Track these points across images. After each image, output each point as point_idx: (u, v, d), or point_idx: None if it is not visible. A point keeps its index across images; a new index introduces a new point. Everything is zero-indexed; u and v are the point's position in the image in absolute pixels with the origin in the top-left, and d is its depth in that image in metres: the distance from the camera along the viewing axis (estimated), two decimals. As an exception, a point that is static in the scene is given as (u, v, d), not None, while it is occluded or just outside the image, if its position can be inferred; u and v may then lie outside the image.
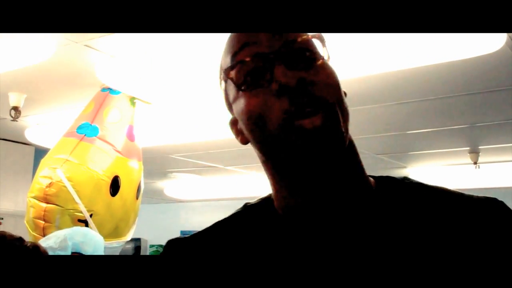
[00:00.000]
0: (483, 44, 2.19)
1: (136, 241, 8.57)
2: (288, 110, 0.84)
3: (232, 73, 0.91)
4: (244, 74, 0.89)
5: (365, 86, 2.98)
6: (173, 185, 7.07)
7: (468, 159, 4.86)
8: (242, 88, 0.89)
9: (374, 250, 0.86)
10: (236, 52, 0.91)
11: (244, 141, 0.97)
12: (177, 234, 9.07)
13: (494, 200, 0.93)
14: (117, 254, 2.84)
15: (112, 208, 2.73)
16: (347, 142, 0.90)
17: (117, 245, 2.81)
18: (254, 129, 0.89)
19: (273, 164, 0.94)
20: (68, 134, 2.84)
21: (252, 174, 6.16)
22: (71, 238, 2.37)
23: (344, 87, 0.94)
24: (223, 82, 0.97)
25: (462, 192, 0.96)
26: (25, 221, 2.72)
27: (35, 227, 2.61)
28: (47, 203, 2.57)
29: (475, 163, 4.87)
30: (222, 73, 0.94)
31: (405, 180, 0.98)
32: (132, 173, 2.87)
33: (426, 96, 3.18)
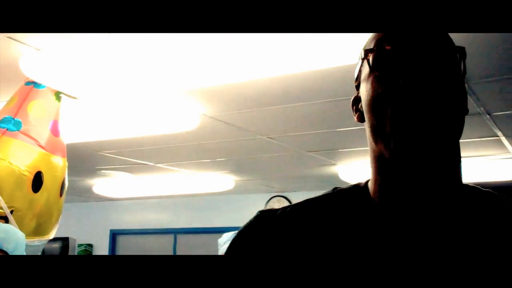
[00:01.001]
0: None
1: (64, 240, 8.40)
2: (406, 111, 0.89)
3: (370, 56, 0.96)
4: (379, 61, 0.95)
5: (297, 83, 3.00)
6: (102, 183, 6.96)
7: (395, 158, 4.96)
8: (375, 72, 0.95)
9: (461, 250, 0.92)
10: (381, 38, 0.97)
11: (360, 119, 1.06)
12: (106, 233, 9.01)
13: None
14: (39, 252, 2.77)
15: (34, 205, 2.65)
16: (454, 152, 0.97)
17: (39, 243, 2.74)
18: (372, 113, 0.96)
19: (379, 153, 0.98)
20: (-11, 129, 2.75)
21: (183, 171, 6.13)
22: (-7, 234, 2.31)
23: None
24: (360, 60, 1.02)
25: None
26: None
27: (-48, 224, 2.52)
28: (-35, 198, 2.49)
29: (402, 160, 4.98)
30: (362, 52, 0.99)
31: (489, 191, 1.05)
32: (56, 169, 2.81)
33: (354, 94, 3.22)
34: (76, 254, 8.65)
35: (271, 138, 4.45)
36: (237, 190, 7.26)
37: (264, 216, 1.06)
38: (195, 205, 8.06)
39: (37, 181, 2.66)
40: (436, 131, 0.88)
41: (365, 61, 0.98)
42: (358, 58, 1.05)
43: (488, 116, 3.56)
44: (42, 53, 2.61)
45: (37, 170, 2.66)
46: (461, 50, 0.96)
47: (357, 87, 1.08)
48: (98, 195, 7.55)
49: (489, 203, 1.01)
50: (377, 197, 1.01)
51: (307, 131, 4.23)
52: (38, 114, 2.79)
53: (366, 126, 1.00)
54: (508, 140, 4.38)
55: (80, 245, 8.83)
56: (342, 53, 2.32)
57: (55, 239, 2.94)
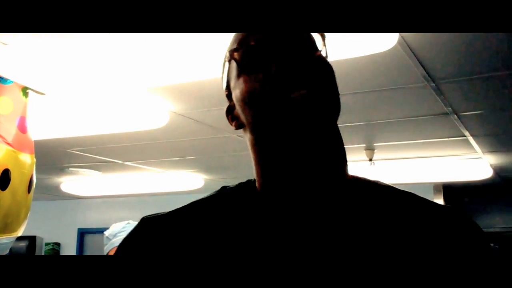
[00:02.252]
0: (375, 43, 2.25)
1: (31, 238, 8.30)
2: (282, 91, 0.90)
3: (236, 55, 0.98)
4: (247, 57, 0.96)
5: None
6: (70, 181, 6.89)
7: (364, 156, 5.00)
8: (244, 70, 0.96)
9: (344, 238, 0.92)
10: (243, 37, 0.98)
11: (238, 126, 1.03)
12: (74, 232, 8.94)
13: (457, 210, 1.01)
14: (7, 250, 2.73)
15: (2, 203, 2.61)
16: (335, 133, 1.00)
17: (7, 241, 2.70)
18: (249, 108, 0.95)
19: (261, 144, 0.98)
20: (-45, 125, 2.70)
21: (152, 170, 6.10)
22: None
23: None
24: (226, 64, 1.03)
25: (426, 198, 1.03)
26: None
27: None
28: None
29: (371, 159, 5.02)
30: (227, 54, 1.00)
31: (378, 182, 1.06)
32: (24, 166, 2.77)
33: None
34: (43, 253, 8.57)
35: (241, 137, 4.45)
36: (207, 189, 7.19)
37: (148, 222, 1.01)
38: (164, 204, 7.96)
39: (5, 179, 2.62)
40: (317, 109, 0.90)
41: (233, 66, 0.99)
42: (222, 66, 1.06)
43: (455, 116, 3.60)
44: (9, 48, 2.58)
45: (4, 168, 2.62)
46: (322, 37, 0.99)
47: (228, 96, 1.06)
48: (66, 193, 7.47)
49: (380, 195, 1.01)
50: (261, 188, 1.01)
51: (277, 130, 4.23)
52: (4, 110, 2.75)
53: (245, 127, 1.00)
54: (475, 140, 4.44)
55: (47, 244, 8.74)
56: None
57: (22, 238, 2.91)
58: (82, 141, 4.58)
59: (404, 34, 2.33)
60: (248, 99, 0.94)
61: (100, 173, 6.30)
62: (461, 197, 7.64)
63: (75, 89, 2.93)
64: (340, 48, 2.25)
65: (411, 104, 3.42)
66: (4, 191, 2.64)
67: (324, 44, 0.99)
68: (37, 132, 3.16)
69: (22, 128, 2.80)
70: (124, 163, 5.69)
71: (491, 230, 7.30)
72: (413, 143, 4.64)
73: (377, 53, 2.36)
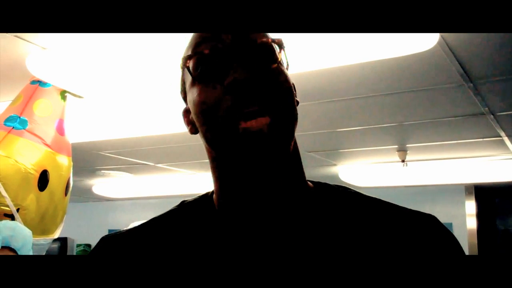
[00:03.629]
0: (415, 43, 2.22)
1: (62, 240, 8.38)
2: (235, 107, 0.85)
3: (190, 63, 0.93)
4: (200, 66, 0.91)
5: (297, 83, 2.97)
6: (101, 183, 6.94)
7: (396, 157, 4.97)
8: (197, 79, 0.91)
9: (307, 253, 0.88)
10: (197, 44, 0.93)
11: (193, 131, 1.00)
12: (105, 233, 8.96)
13: (428, 216, 0.96)
14: (44, 251, 2.76)
15: (40, 203, 2.64)
16: (292, 147, 0.94)
17: (44, 242, 2.73)
18: (203, 122, 0.91)
19: (217, 158, 0.96)
20: (-5, 127, 2.73)
21: (183, 171, 6.12)
22: (1, 232, 2.29)
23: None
24: (181, 70, 0.99)
25: (397, 204, 0.98)
26: None
27: (-41, 222, 2.51)
28: (-28, 196, 2.48)
29: (403, 161, 4.99)
30: (181, 61, 0.95)
31: (340, 188, 1.01)
32: (61, 168, 2.80)
33: (355, 94, 3.23)
34: (74, 254, 8.64)
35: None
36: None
37: (107, 241, 1.02)
38: (195, 205, 8.02)
39: (43, 180, 2.65)
40: (272, 123, 0.86)
41: (186, 70, 0.95)
42: (179, 68, 1.01)
43: (492, 116, 3.55)
44: (48, 52, 2.60)
45: (43, 169, 2.65)
46: (279, 42, 0.94)
47: (185, 98, 1.02)
48: (97, 195, 7.53)
49: (345, 202, 0.97)
50: (218, 203, 0.98)
51: (308, 131, 4.22)
52: (43, 112, 2.78)
53: (200, 135, 0.96)
54: (510, 140, 4.38)
55: (78, 245, 8.82)
56: (342, 53, 2.31)
57: (54, 239, 2.94)
58: (114, 143, 4.61)
59: (444, 34, 2.30)
60: (200, 111, 0.90)
61: (132, 175, 6.34)
62: (493, 198, 7.56)
63: (112, 92, 2.95)
64: (377, 48, 2.23)
65: (447, 105, 3.39)
66: (43, 192, 2.67)
67: (282, 52, 0.94)
68: (72, 135, 3.20)
69: (60, 130, 2.84)
70: (156, 165, 5.72)
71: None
72: (447, 144, 4.59)
73: (415, 53, 2.33)
